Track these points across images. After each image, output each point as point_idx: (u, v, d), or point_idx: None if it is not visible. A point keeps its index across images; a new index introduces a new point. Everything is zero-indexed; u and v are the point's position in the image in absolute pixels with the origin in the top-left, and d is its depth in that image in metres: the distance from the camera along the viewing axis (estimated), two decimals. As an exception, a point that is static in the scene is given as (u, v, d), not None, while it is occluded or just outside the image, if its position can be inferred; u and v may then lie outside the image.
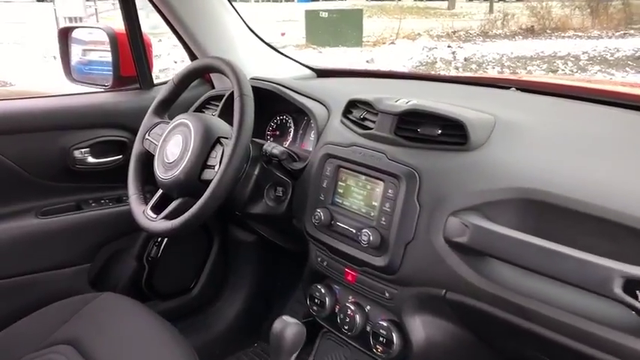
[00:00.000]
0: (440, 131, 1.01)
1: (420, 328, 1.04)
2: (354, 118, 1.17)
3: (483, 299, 0.90)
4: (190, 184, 1.14)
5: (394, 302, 1.06)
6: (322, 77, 1.72)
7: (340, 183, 1.14)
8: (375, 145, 1.09)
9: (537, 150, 0.95)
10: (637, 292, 0.71)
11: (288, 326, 1.03)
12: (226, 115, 1.26)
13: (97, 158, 1.53)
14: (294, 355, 1.04)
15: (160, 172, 1.19)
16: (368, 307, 1.14)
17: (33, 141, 1.44)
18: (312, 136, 1.40)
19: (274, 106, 1.47)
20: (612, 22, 12.41)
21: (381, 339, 1.08)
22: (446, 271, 0.94)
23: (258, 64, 1.64)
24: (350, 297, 1.18)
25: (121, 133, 1.56)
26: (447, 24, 13.19)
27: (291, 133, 1.48)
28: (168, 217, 1.15)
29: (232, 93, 1.14)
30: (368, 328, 1.13)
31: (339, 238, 1.12)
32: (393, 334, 1.06)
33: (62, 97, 1.57)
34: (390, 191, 1.03)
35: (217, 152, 1.13)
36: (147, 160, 1.28)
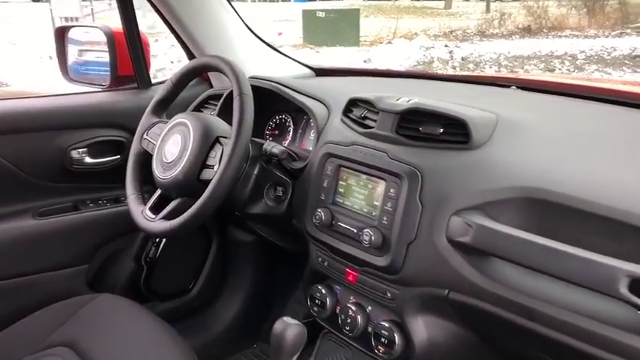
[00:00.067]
0: (442, 130, 1.00)
1: (423, 328, 1.04)
2: (354, 117, 1.16)
3: (486, 299, 0.90)
4: (189, 184, 1.13)
5: (396, 303, 1.05)
6: (321, 76, 1.72)
7: (341, 182, 1.13)
8: (376, 144, 1.08)
9: (540, 148, 0.95)
10: None
11: (288, 327, 1.03)
12: (225, 114, 1.25)
13: (94, 158, 1.52)
14: (295, 357, 1.03)
15: (159, 172, 1.18)
16: (369, 308, 1.13)
17: (30, 141, 1.43)
18: (312, 135, 1.39)
19: (273, 106, 1.46)
20: (609, 22, 12.44)
21: (382, 340, 1.08)
22: (448, 271, 0.93)
23: (256, 63, 1.63)
24: (351, 297, 1.17)
25: (119, 132, 1.55)
26: (444, 23, 13.19)
27: (291, 133, 1.47)
28: (167, 218, 1.14)
29: (231, 92, 1.13)
30: (369, 329, 1.12)
31: (340, 238, 1.11)
32: (395, 335, 1.06)
33: (59, 97, 1.56)
34: (391, 190, 1.02)
35: (216, 152, 1.12)
36: (145, 160, 1.27)
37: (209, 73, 1.65)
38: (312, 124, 1.36)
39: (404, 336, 1.06)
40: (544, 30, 12.36)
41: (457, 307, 0.97)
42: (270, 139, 1.50)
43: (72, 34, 1.70)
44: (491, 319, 0.91)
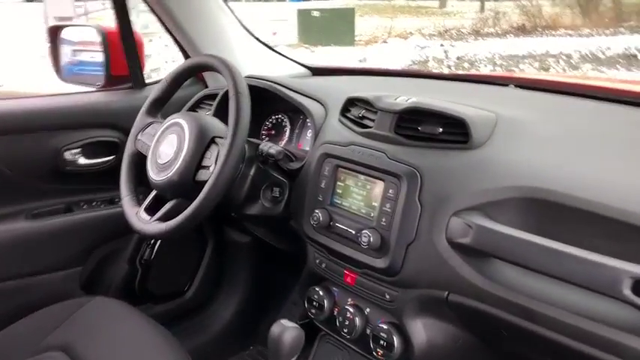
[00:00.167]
0: (441, 129, 1.00)
1: (422, 330, 1.03)
2: (352, 117, 1.15)
3: (487, 301, 0.89)
4: (184, 186, 1.12)
5: (395, 305, 1.04)
6: (318, 75, 1.70)
7: (339, 183, 1.12)
8: (375, 144, 1.07)
9: (540, 148, 0.94)
10: None
11: (286, 330, 1.02)
12: (221, 114, 1.24)
13: (88, 159, 1.50)
14: (293, 360, 1.02)
15: (153, 174, 1.17)
16: (368, 310, 1.13)
17: (23, 142, 1.42)
18: (309, 135, 1.37)
19: (269, 105, 1.45)
20: (603, 21, 12.48)
21: (381, 342, 1.07)
22: (448, 273, 0.92)
23: (253, 63, 1.61)
24: (349, 299, 1.16)
25: (113, 133, 1.53)
26: (439, 23, 13.21)
27: (287, 133, 1.45)
28: (162, 219, 1.12)
29: (227, 92, 1.12)
30: (368, 331, 1.11)
31: (338, 239, 1.10)
32: (394, 337, 1.05)
33: (52, 97, 1.54)
34: (390, 191, 1.01)
35: (212, 152, 1.11)
36: (139, 160, 1.26)
37: (204, 73, 1.64)
38: (309, 123, 1.35)
39: (403, 338, 1.05)
40: (538, 29, 12.39)
41: (457, 309, 0.96)
42: (267, 139, 1.48)
43: (65, 33, 1.69)
44: (492, 320, 0.90)
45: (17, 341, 1.15)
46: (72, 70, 1.70)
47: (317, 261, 1.19)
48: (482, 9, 15.76)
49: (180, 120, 1.16)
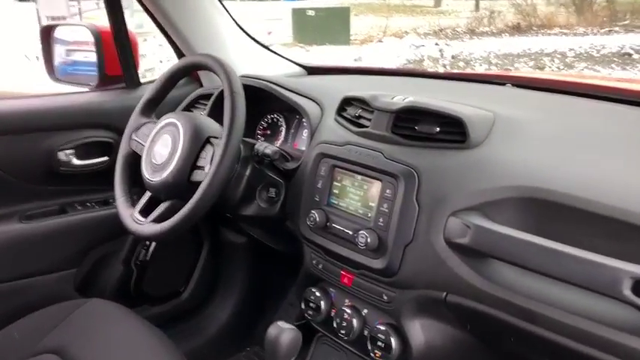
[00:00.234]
0: (438, 129, 0.99)
1: (420, 331, 1.02)
2: (348, 116, 1.15)
3: (485, 302, 0.88)
4: (179, 186, 1.11)
5: (393, 305, 1.04)
6: (313, 74, 1.70)
7: (335, 183, 1.11)
8: (371, 143, 1.06)
9: (539, 147, 0.93)
10: None
11: (283, 332, 1.01)
12: (216, 114, 1.23)
13: (82, 160, 1.49)
14: (290, 362, 1.01)
15: (148, 174, 1.16)
16: (365, 311, 1.12)
17: (16, 143, 1.40)
18: (305, 135, 1.37)
19: (265, 105, 1.44)
20: (597, 20, 12.51)
21: (379, 344, 1.06)
22: (446, 273, 0.92)
23: (248, 62, 1.61)
24: (346, 300, 1.16)
25: (107, 133, 1.52)
26: (434, 22, 13.22)
27: (283, 133, 1.45)
28: (157, 221, 1.11)
29: (222, 91, 1.11)
30: (365, 333, 1.11)
31: (335, 240, 1.09)
32: (392, 339, 1.04)
33: (46, 98, 1.53)
34: (387, 191, 1.00)
35: (207, 153, 1.10)
36: (134, 161, 1.25)
37: (199, 72, 1.63)
38: (304, 123, 1.34)
39: (401, 340, 1.04)
40: (533, 28, 12.41)
41: (455, 310, 0.96)
42: (262, 139, 1.48)
43: (58, 33, 1.67)
44: (490, 321, 0.89)
45: (11, 344, 1.14)
46: (66, 70, 1.68)
47: (314, 262, 1.19)
48: (477, 8, 15.78)
49: (175, 120, 1.15)
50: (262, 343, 1.06)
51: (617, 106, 1.08)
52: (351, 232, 1.05)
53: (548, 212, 0.83)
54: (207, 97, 1.48)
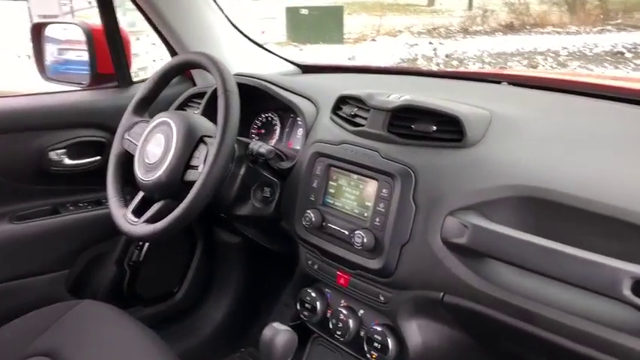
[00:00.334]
0: (435, 127, 0.98)
1: (417, 332, 1.02)
2: (344, 115, 1.14)
3: (483, 302, 0.88)
4: (173, 186, 1.10)
5: (389, 306, 1.03)
6: (308, 73, 1.69)
7: (331, 183, 1.10)
8: (367, 142, 1.05)
9: (536, 146, 0.93)
10: None
11: (278, 334, 1.00)
12: (209, 113, 1.22)
13: (74, 160, 1.48)
14: (286, 364, 1.00)
15: (141, 174, 1.15)
16: (361, 312, 1.11)
17: (6, 142, 1.39)
18: (300, 134, 1.36)
19: (259, 104, 1.43)
20: (590, 18, 12.56)
21: (375, 344, 1.06)
22: (444, 274, 0.91)
23: (241, 60, 1.60)
24: (342, 301, 1.15)
25: (99, 133, 1.51)
26: (427, 21, 13.23)
27: (277, 132, 1.44)
28: (150, 221, 1.10)
29: (215, 90, 1.10)
30: (362, 334, 1.10)
31: (331, 240, 1.08)
32: (388, 340, 1.04)
33: (36, 97, 1.52)
34: (384, 191, 0.99)
35: (201, 152, 1.09)
36: (126, 160, 1.24)
37: (192, 71, 1.62)
38: (299, 122, 1.33)
39: (397, 340, 1.04)
40: (526, 27, 12.44)
41: (452, 310, 0.95)
42: (257, 138, 1.47)
43: (49, 31, 1.66)
44: (488, 322, 0.89)
45: (2, 347, 1.13)
46: (58, 70, 1.67)
47: (309, 262, 1.18)
48: (470, 7, 15.80)
49: (168, 119, 1.14)
50: (257, 343, 1.06)
51: (615, 105, 1.08)
52: (347, 232, 1.04)
53: (547, 212, 0.83)
54: (200, 95, 1.47)
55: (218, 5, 1.61)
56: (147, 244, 1.60)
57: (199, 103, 1.42)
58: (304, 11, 11.76)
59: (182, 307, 1.73)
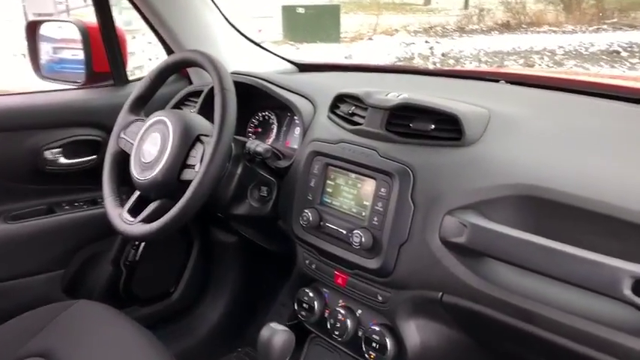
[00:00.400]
0: (433, 126, 0.98)
1: (415, 332, 1.01)
2: (342, 114, 1.13)
3: (482, 302, 0.87)
4: (169, 185, 1.09)
5: (388, 306, 1.02)
6: (305, 72, 1.68)
7: (329, 182, 1.10)
8: (365, 141, 1.05)
9: (536, 144, 0.92)
10: None
11: (276, 334, 0.99)
12: (206, 111, 1.22)
13: (69, 159, 1.47)
14: (284, 364, 1.00)
15: (137, 173, 1.14)
16: (359, 312, 1.11)
17: (1, 141, 1.38)
18: (297, 132, 1.35)
19: (256, 102, 1.42)
20: (585, 18, 12.60)
21: (373, 344, 1.05)
22: (442, 273, 0.91)
23: (238, 59, 1.59)
24: (340, 301, 1.14)
25: (95, 132, 1.50)
26: (424, 19, 13.24)
27: (274, 130, 1.43)
28: (146, 220, 1.10)
29: (212, 88, 1.09)
30: (360, 334, 1.10)
31: (329, 239, 1.08)
32: (387, 340, 1.03)
33: (32, 95, 1.51)
34: (382, 190, 0.99)
35: (197, 151, 1.08)
36: (122, 160, 1.23)
37: (188, 69, 1.61)
38: (296, 121, 1.32)
39: (396, 340, 1.03)
40: (523, 26, 12.46)
41: (451, 310, 0.94)
42: (253, 137, 1.46)
43: (44, 29, 1.65)
44: (487, 321, 0.88)
45: None
46: (53, 68, 1.66)
47: (307, 262, 1.17)
48: (466, 6, 15.81)
49: (164, 117, 1.13)
50: (254, 343, 1.05)
51: (614, 103, 1.07)
52: (345, 232, 1.04)
53: (546, 211, 0.82)
54: (196, 94, 1.46)
55: (215, 3, 1.60)
56: (143, 244, 1.59)
57: (196, 102, 1.42)
58: (301, 10, 11.74)
59: (178, 307, 1.72)
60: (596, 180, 0.81)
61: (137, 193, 1.17)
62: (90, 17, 1.55)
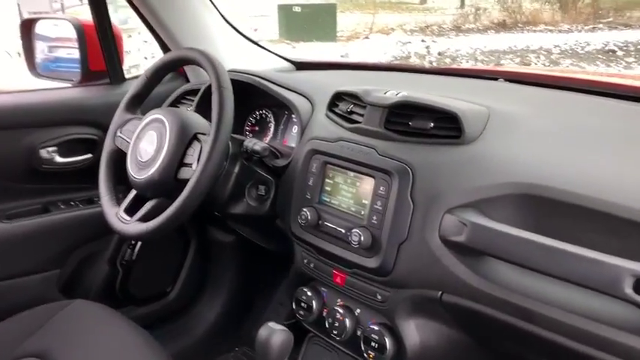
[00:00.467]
0: (432, 124, 0.97)
1: (415, 332, 1.01)
2: (340, 112, 1.13)
3: (482, 301, 0.87)
4: (166, 184, 1.08)
5: (387, 305, 1.02)
6: (302, 70, 1.67)
7: (327, 180, 1.09)
8: (364, 139, 1.04)
9: (535, 142, 0.92)
10: None
11: (274, 334, 0.98)
12: (203, 109, 1.21)
13: (65, 157, 1.46)
14: (282, 364, 0.99)
15: (133, 172, 1.13)
16: (358, 311, 1.10)
17: None
18: (295, 131, 1.35)
19: (253, 101, 1.42)
20: (581, 17, 12.63)
21: (372, 344, 1.04)
22: (442, 272, 0.90)
23: (235, 57, 1.58)
24: (338, 300, 1.14)
25: (91, 130, 1.49)
26: (420, 19, 13.25)
27: (272, 129, 1.42)
28: (143, 220, 1.09)
29: (209, 86, 1.08)
30: (358, 333, 1.09)
31: (328, 238, 1.07)
32: (386, 339, 1.03)
33: (27, 93, 1.50)
34: (381, 188, 0.98)
35: (195, 149, 1.07)
36: (119, 158, 1.22)
37: (185, 67, 1.60)
38: (294, 119, 1.32)
39: (395, 340, 1.03)
40: (519, 25, 12.49)
41: (451, 310, 0.94)
42: (250, 135, 1.45)
43: (39, 27, 1.64)
44: (487, 321, 0.88)
45: None
46: (48, 67, 1.66)
47: (305, 261, 1.17)
48: (462, 5, 15.83)
49: (161, 116, 1.12)
50: (251, 343, 1.05)
51: (613, 102, 1.07)
52: (343, 231, 1.03)
53: (546, 209, 0.82)
54: (193, 92, 1.45)
55: (211, 1, 1.59)
56: (139, 243, 1.58)
57: (192, 100, 1.41)
58: (297, 9, 11.73)
59: (175, 307, 1.72)
60: (596, 178, 0.80)
61: (134, 192, 1.16)
62: (85, 16, 1.54)
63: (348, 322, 1.09)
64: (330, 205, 1.08)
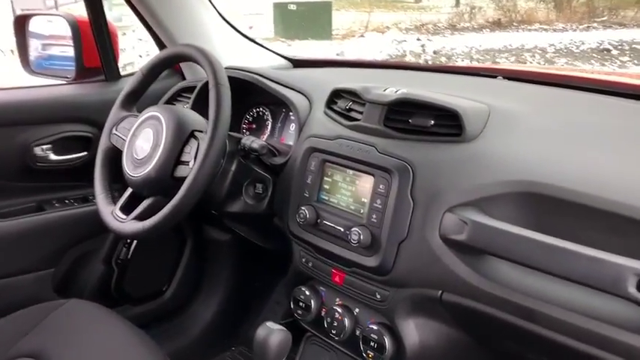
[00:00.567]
0: (433, 122, 0.96)
1: (414, 331, 1.00)
2: (339, 109, 1.12)
3: (482, 300, 0.86)
4: (162, 182, 1.08)
5: (386, 304, 1.01)
6: (299, 67, 1.66)
7: (326, 178, 1.08)
8: (363, 137, 1.03)
9: (536, 140, 0.92)
10: None
11: (272, 333, 0.98)
12: (200, 106, 1.20)
13: (60, 155, 1.45)
14: (280, 364, 0.98)
15: (129, 170, 1.12)
16: (357, 310, 1.10)
17: None
18: (292, 129, 1.34)
19: (250, 98, 1.41)
20: (576, 16, 12.68)
21: (371, 344, 1.04)
22: (442, 271, 0.89)
23: (232, 54, 1.57)
24: (337, 299, 1.13)
25: (86, 127, 1.48)
26: (415, 17, 13.27)
27: (269, 127, 1.41)
28: (139, 218, 1.08)
29: (206, 83, 1.07)
30: (357, 333, 1.08)
31: (326, 237, 1.06)
32: (385, 339, 1.02)
33: (21, 90, 1.49)
34: (381, 186, 0.97)
35: (192, 147, 1.07)
36: (114, 156, 1.21)
37: (181, 64, 1.59)
38: (292, 117, 1.31)
39: (394, 339, 1.02)
40: (514, 23, 12.53)
41: (451, 309, 0.93)
42: (247, 133, 1.44)
43: (33, 24, 1.62)
44: (487, 320, 0.87)
45: None
46: (42, 65, 1.65)
47: (303, 260, 1.16)
48: (457, 3, 15.86)
49: (157, 113, 1.12)
50: (248, 342, 1.04)
51: (613, 99, 1.07)
52: (342, 229, 1.02)
53: (547, 207, 0.81)
54: (190, 89, 1.44)
55: (208, -2, 1.58)
56: (135, 242, 1.57)
57: (189, 98, 1.40)
58: (292, 7, 11.72)
59: (171, 306, 1.71)
60: (597, 176, 0.80)
61: (130, 191, 1.15)
62: (79, 13, 1.53)
63: (346, 321, 1.08)
64: (328, 204, 1.07)
